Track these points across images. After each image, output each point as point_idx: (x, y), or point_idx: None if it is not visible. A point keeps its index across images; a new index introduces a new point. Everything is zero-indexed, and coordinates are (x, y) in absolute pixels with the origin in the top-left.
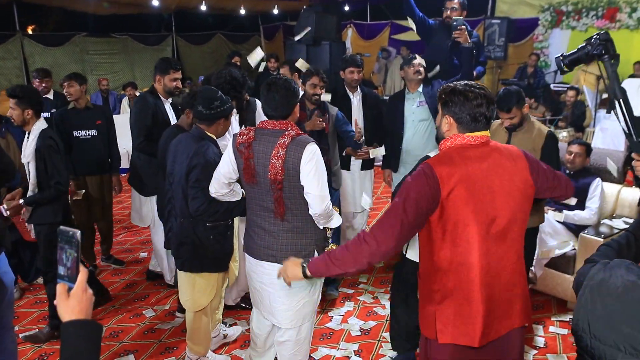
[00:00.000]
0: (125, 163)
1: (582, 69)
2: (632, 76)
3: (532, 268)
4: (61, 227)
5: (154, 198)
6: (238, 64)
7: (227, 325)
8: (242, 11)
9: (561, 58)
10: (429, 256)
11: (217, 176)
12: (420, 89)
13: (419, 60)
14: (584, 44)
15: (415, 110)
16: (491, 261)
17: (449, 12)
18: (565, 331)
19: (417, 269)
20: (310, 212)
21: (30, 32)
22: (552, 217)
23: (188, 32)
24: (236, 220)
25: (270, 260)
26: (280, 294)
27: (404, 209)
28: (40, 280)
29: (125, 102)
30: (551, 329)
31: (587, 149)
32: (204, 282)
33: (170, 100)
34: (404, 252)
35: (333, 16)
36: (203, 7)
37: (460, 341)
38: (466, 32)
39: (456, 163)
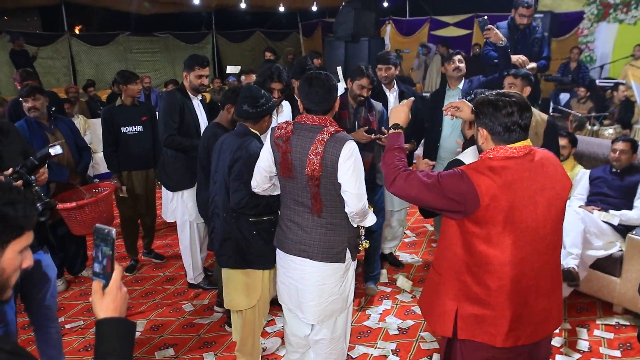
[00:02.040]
0: None
1: (630, 64)
2: None
3: (575, 267)
4: (97, 225)
5: (181, 194)
6: (273, 58)
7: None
8: (281, 8)
9: None
10: (459, 253)
11: (258, 170)
12: (461, 85)
13: (458, 56)
14: None
15: None
16: (527, 270)
17: (525, 20)
18: (611, 335)
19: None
20: (346, 209)
21: (77, 32)
22: (597, 217)
23: (228, 30)
24: None
25: (302, 255)
26: (310, 289)
27: (438, 182)
28: (85, 272)
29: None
30: (596, 332)
31: (633, 145)
32: (249, 280)
33: (199, 97)
34: None
35: (371, 12)
36: (243, 5)
37: (481, 339)
38: (497, 31)
39: (497, 173)
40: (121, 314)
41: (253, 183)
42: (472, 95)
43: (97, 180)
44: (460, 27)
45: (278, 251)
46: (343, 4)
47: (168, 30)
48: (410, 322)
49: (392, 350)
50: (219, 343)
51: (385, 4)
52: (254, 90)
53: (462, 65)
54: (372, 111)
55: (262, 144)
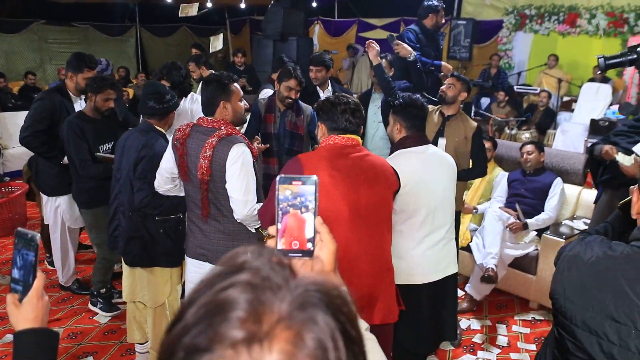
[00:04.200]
0: None
1: (544, 72)
2: (590, 80)
3: (494, 266)
4: (19, 228)
5: (55, 199)
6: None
7: None
8: (209, 4)
9: (603, 59)
10: None
11: (160, 171)
12: None
13: (383, 62)
14: (627, 51)
15: (376, 111)
16: (347, 254)
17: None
18: (527, 330)
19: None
20: (234, 215)
21: None
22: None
23: (153, 24)
24: None
25: (201, 259)
26: None
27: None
28: None
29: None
30: (514, 327)
31: (539, 146)
32: (157, 278)
33: (82, 98)
34: None
35: (300, 12)
36: (168, 0)
37: None
38: (405, 45)
39: (323, 157)
40: (43, 324)
41: (155, 183)
42: (399, 100)
43: (7, 179)
44: (388, 30)
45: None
46: (272, 2)
47: (88, 21)
48: None
49: None
50: None
51: (314, 4)
52: (159, 87)
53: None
54: (300, 115)
55: (167, 142)
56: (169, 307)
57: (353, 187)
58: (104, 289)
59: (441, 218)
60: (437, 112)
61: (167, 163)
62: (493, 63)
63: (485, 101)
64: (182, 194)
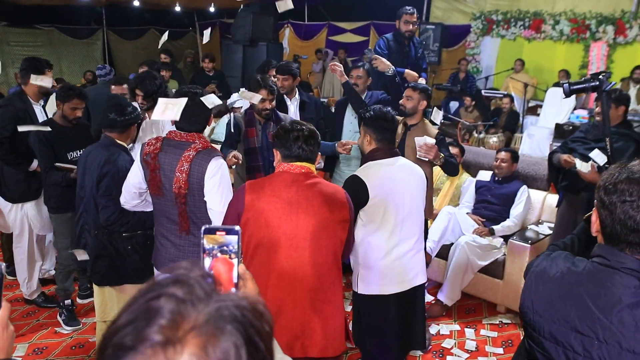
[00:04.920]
0: None
1: (510, 76)
2: (555, 85)
3: (430, 249)
4: None
5: (21, 205)
6: (168, 61)
7: None
8: (177, 8)
9: (568, 84)
10: None
11: (126, 187)
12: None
13: (357, 72)
14: (590, 77)
15: (352, 121)
16: (281, 282)
17: (410, 26)
18: (495, 334)
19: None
20: None
21: None
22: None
23: (120, 27)
24: None
25: None
26: None
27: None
28: None
29: (53, 99)
30: (482, 331)
31: (514, 155)
32: (127, 296)
33: (41, 102)
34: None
35: (270, 17)
36: (136, 3)
37: None
38: (383, 59)
39: (268, 185)
40: (8, 356)
41: (122, 199)
42: (370, 112)
43: None
44: (357, 34)
45: (155, 269)
46: (241, 6)
47: (53, 24)
48: None
49: None
50: None
51: None
52: (119, 99)
53: (361, 81)
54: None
55: (129, 156)
56: None
57: (291, 216)
58: (68, 300)
59: (410, 229)
60: (401, 123)
61: (134, 178)
62: (462, 67)
63: (454, 105)
64: (149, 209)
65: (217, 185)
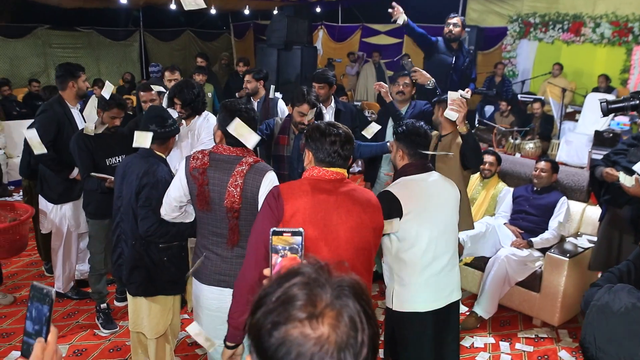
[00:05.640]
0: None
1: (548, 81)
2: (595, 90)
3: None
4: (35, 283)
5: (60, 206)
6: (204, 65)
7: None
8: (213, 11)
9: (606, 103)
10: None
11: (167, 200)
12: (404, 109)
13: (404, 80)
14: (630, 96)
15: None
16: None
17: (450, 27)
18: (530, 348)
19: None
20: None
21: None
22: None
23: (156, 28)
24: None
25: (221, 285)
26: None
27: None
28: None
29: (93, 100)
30: (517, 345)
31: (554, 166)
32: (160, 307)
33: (78, 106)
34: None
35: (304, 20)
36: (173, 6)
37: None
38: (423, 72)
39: (304, 192)
40: None
41: (162, 211)
42: (402, 127)
43: (12, 187)
44: (391, 36)
45: (195, 282)
46: (276, 10)
47: (92, 26)
48: None
49: None
50: None
51: (318, 10)
52: (160, 110)
53: (408, 89)
54: None
55: (168, 167)
56: (171, 332)
57: (325, 222)
58: (104, 304)
59: (444, 245)
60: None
61: (176, 192)
62: (498, 71)
63: (489, 109)
64: (188, 220)
65: None
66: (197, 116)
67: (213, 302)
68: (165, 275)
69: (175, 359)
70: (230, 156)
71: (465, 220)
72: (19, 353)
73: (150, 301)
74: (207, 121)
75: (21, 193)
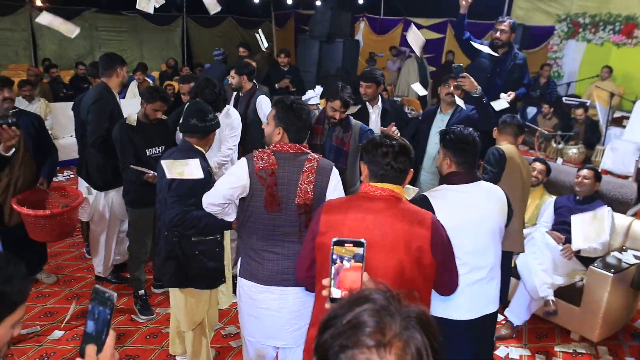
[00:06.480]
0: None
1: (595, 84)
2: None
3: (553, 298)
4: (97, 286)
5: (104, 193)
6: (246, 54)
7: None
8: None
9: None
10: None
11: (215, 193)
12: (450, 112)
13: (455, 82)
14: None
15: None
16: None
17: (497, 33)
18: None
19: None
20: None
21: (39, 3)
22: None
23: (198, 14)
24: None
25: (283, 284)
26: (293, 315)
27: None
28: (39, 276)
29: (133, 86)
30: (553, 359)
31: (596, 174)
32: (195, 300)
33: (121, 95)
34: None
35: (348, 13)
36: None
37: None
38: (471, 79)
39: (343, 208)
40: None
41: (204, 199)
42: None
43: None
44: (434, 31)
45: (246, 283)
46: (318, 1)
47: (137, 10)
48: None
49: None
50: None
51: (361, 1)
52: (201, 105)
53: (457, 91)
54: (348, 131)
55: (206, 161)
56: (209, 325)
57: (368, 246)
58: (141, 290)
59: (482, 258)
60: None
61: (230, 189)
62: (543, 73)
63: (531, 111)
64: (227, 219)
65: (339, 193)
66: (218, 113)
67: (274, 302)
68: (195, 269)
69: (211, 351)
70: (296, 153)
71: (515, 241)
72: (61, 333)
73: (185, 294)
74: (228, 117)
75: (65, 174)
